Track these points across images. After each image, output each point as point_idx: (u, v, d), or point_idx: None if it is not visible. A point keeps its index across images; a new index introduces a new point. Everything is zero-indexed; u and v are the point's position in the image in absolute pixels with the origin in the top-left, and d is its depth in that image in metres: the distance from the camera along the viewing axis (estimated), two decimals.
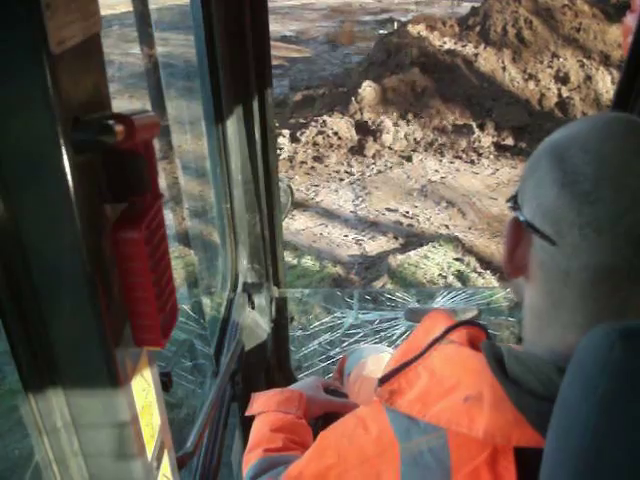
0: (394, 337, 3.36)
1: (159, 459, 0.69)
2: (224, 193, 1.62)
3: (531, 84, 6.77)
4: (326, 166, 6.19)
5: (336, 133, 6.31)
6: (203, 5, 1.33)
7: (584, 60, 6.97)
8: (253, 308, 1.81)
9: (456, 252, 4.55)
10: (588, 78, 6.81)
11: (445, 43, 7.19)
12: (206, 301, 2.09)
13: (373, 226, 5.10)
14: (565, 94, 6.69)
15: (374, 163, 6.18)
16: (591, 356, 0.49)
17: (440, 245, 4.62)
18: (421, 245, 4.60)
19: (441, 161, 6.15)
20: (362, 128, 6.48)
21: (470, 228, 4.97)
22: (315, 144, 6.42)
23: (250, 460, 1.05)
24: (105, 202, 0.53)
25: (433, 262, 4.40)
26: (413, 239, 4.84)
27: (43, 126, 0.45)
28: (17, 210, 0.48)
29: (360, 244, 4.80)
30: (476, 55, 6.94)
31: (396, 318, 3.50)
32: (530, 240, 0.66)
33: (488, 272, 4.30)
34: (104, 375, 0.55)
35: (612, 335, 0.48)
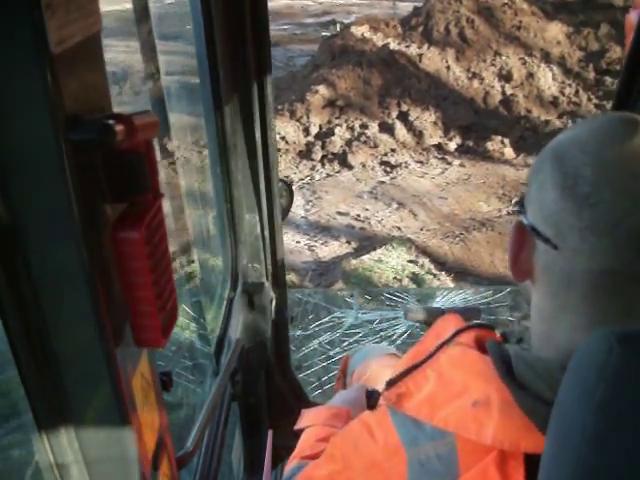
0: (394, 337, 3.36)
1: (159, 458, 0.69)
2: (224, 193, 1.62)
3: (475, 83, 6.78)
4: None
5: (283, 137, 6.26)
6: (202, 5, 1.33)
7: (526, 57, 7.00)
8: (253, 308, 1.81)
9: (410, 254, 4.49)
10: (530, 75, 6.84)
11: (389, 44, 7.13)
12: (206, 301, 2.09)
13: (325, 231, 5.02)
14: (509, 92, 6.70)
15: (323, 166, 6.09)
16: (589, 360, 0.49)
17: (393, 248, 4.52)
18: (374, 248, 4.51)
19: (390, 162, 6.09)
20: (310, 131, 6.41)
21: (422, 229, 4.92)
22: None
23: (289, 466, 1.05)
24: (105, 202, 0.53)
25: (387, 265, 4.32)
26: (366, 243, 4.77)
27: (43, 126, 0.45)
28: (17, 210, 0.48)
29: (313, 250, 4.72)
30: (420, 55, 6.90)
31: (396, 317, 3.50)
32: (534, 244, 0.66)
33: (443, 273, 4.24)
34: (104, 374, 0.55)
35: (610, 339, 0.48)
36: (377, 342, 3.31)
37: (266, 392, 1.96)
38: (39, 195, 0.48)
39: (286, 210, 1.82)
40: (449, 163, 6.08)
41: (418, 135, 6.33)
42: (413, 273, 4.24)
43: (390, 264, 4.36)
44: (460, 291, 3.79)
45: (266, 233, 1.73)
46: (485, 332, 0.74)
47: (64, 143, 0.46)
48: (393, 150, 6.26)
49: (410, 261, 4.41)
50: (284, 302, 1.95)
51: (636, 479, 0.45)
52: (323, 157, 6.21)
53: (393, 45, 7.15)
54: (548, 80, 6.83)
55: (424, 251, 4.56)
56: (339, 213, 5.33)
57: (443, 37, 7.16)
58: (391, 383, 0.73)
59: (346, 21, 9.38)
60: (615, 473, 0.46)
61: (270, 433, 1.55)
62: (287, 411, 1.86)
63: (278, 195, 1.71)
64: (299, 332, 3.44)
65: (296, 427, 1.17)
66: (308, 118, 6.50)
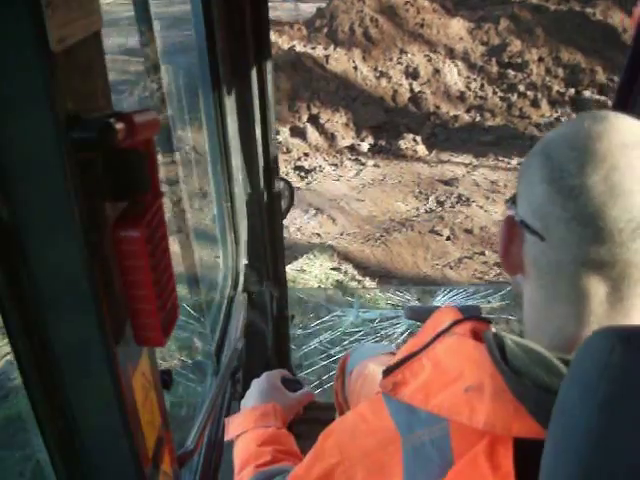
0: (394, 336, 3.37)
1: (160, 457, 0.69)
2: (224, 192, 1.62)
3: (383, 81, 6.78)
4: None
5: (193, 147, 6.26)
6: (203, 5, 1.32)
7: (431, 54, 7.05)
8: (253, 307, 1.81)
9: (332, 261, 4.38)
10: (436, 71, 6.89)
11: (295, 47, 7.08)
12: (207, 299, 2.09)
13: None
14: (417, 89, 6.74)
15: None
16: (591, 359, 0.49)
17: (315, 256, 4.40)
18: (296, 258, 4.38)
19: (304, 166, 6.01)
20: None
21: (342, 234, 4.84)
22: None
23: (242, 478, 1.04)
24: (106, 200, 0.53)
25: (311, 275, 4.21)
26: (286, 252, 4.66)
27: (43, 124, 0.45)
28: (17, 209, 0.48)
29: None
30: (327, 57, 6.85)
31: (396, 317, 3.50)
32: (523, 237, 0.69)
33: (367, 278, 4.18)
34: (105, 373, 0.55)
35: (612, 338, 0.48)
36: (377, 341, 3.32)
37: None
38: (39, 194, 0.48)
39: (287, 208, 1.82)
40: (363, 164, 6.03)
41: (330, 137, 6.28)
42: (337, 281, 4.16)
43: (313, 273, 4.25)
44: (460, 290, 3.79)
45: (266, 232, 1.73)
46: (482, 325, 0.76)
47: (64, 142, 0.46)
48: (306, 154, 6.18)
49: (333, 269, 4.31)
50: (284, 301, 1.95)
51: (638, 479, 0.45)
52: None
53: (299, 47, 7.09)
54: (454, 75, 6.91)
55: (346, 257, 4.48)
56: None
57: (348, 37, 7.16)
58: (388, 371, 0.75)
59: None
60: (616, 472, 0.46)
61: None
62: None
63: (278, 194, 1.71)
64: (299, 331, 3.45)
65: (226, 438, 1.16)
66: None
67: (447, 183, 5.56)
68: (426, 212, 5.06)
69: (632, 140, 0.62)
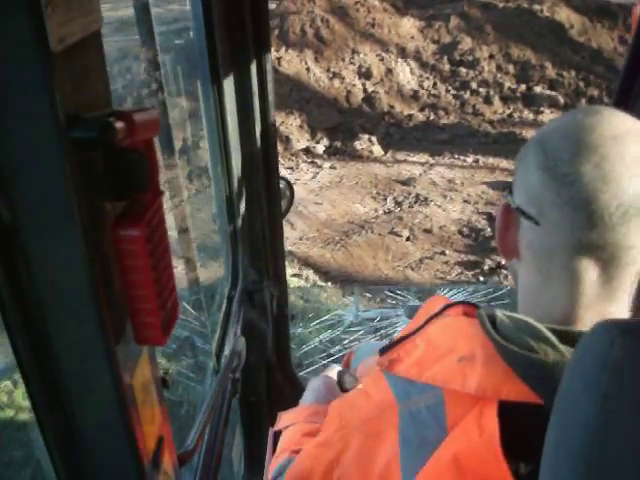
0: (395, 334, 3.37)
1: (160, 456, 0.69)
2: (225, 191, 1.62)
3: (336, 82, 6.75)
4: None
5: None
6: (203, 5, 1.32)
7: (383, 54, 7.04)
8: (253, 306, 1.81)
9: (292, 267, 4.28)
10: (389, 71, 6.88)
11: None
12: (207, 298, 2.09)
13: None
14: (370, 89, 6.71)
15: (191, 182, 5.96)
16: (592, 352, 0.50)
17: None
18: None
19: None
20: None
21: (302, 238, 4.75)
22: None
23: (277, 461, 1.06)
24: (105, 200, 0.53)
25: None
26: None
27: (43, 124, 0.45)
28: (17, 208, 0.48)
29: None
30: (279, 59, 6.81)
31: (397, 315, 3.50)
32: (519, 223, 0.72)
33: (329, 284, 4.13)
34: (105, 372, 0.55)
35: (613, 331, 0.48)
36: (377, 340, 3.32)
37: (267, 390, 1.96)
38: (39, 193, 0.48)
39: (287, 207, 1.82)
40: (319, 166, 5.97)
41: (285, 140, 6.20)
42: (299, 288, 4.10)
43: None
44: (461, 289, 3.80)
45: (266, 231, 1.73)
46: (472, 308, 0.80)
47: (64, 141, 0.46)
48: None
49: (294, 275, 4.23)
50: (284, 300, 1.95)
51: (639, 469, 0.45)
52: (190, 172, 6.10)
53: None
54: (407, 75, 6.90)
55: (306, 262, 4.42)
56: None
57: (300, 39, 7.10)
58: (384, 350, 0.79)
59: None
60: (618, 464, 0.46)
61: (271, 431, 1.55)
62: (288, 409, 1.86)
63: (278, 193, 1.71)
64: (300, 330, 3.45)
65: (275, 428, 1.20)
66: None
67: (404, 183, 5.53)
68: (385, 213, 5.03)
69: (622, 131, 0.66)
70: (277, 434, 1.19)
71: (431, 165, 5.87)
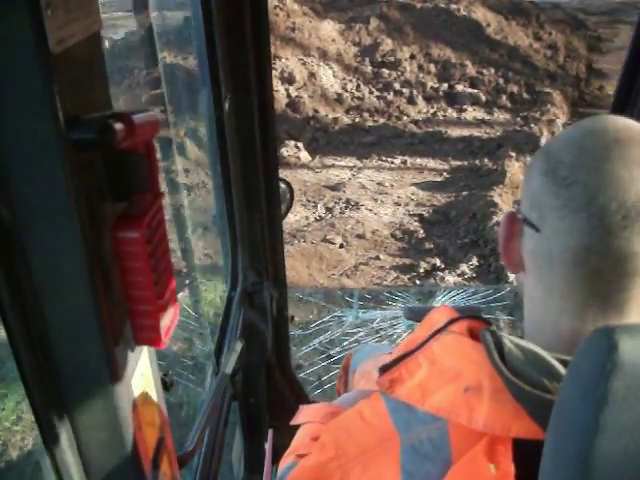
0: (394, 336, 3.37)
1: (159, 458, 0.69)
2: (224, 192, 1.62)
3: None
4: None
5: None
6: (203, 6, 1.32)
7: (305, 58, 7.00)
8: (253, 307, 1.81)
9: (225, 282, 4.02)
10: (312, 75, 6.82)
11: (175, 58, 6.97)
12: (207, 300, 2.09)
13: None
14: (294, 94, 6.63)
15: None
16: (591, 357, 0.49)
17: (209, 279, 4.05)
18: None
19: (185, 183, 5.77)
20: None
21: None
22: None
23: (283, 464, 1.05)
24: (105, 201, 0.53)
25: (206, 301, 3.75)
26: (177, 279, 4.32)
27: (43, 125, 0.45)
28: (17, 209, 0.48)
29: None
30: None
31: (396, 317, 3.50)
32: (522, 232, 0.71)
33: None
34: (104, 374, 0.55)
35: (612, 336, 0.48)
36: (377, 341, 3.32)
37: (266, 391, 1.95)
38: (39, 194, 0.48)
39: (287, 209, 1.82)
40: None
41: None
42: None
43: (208, 298, 3.85)
44: (460, 290, 3.79)
45: (266, 232, 1.73)
46: (478, 323, 0.76)
47: (64, 142, 0.46)
48: (187, 170, 6.07)
49: None
50: (284, 301, 1.95)
51: (637, 477, 0.45)
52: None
53: (169, 59, 7.00)
54: (329, 78, 6.87)
55: None
56: None
57: None
58: (384, 369, 0.75)
59: (115, 37, 7.92)
60: (616, 471, 0.46)
61: (270, 432, 1.55)
62: (287, 410, 1.86)
63: (278, 194, 1.71)
64: (299, 331, 3.44)
65: (292, 422, 1.17)
66: None
67: (334, 188, 5.43)
68: (316, 220, 4.92)
69: (625, 135, 0.64)
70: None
71: (359, 169, 5.79)
